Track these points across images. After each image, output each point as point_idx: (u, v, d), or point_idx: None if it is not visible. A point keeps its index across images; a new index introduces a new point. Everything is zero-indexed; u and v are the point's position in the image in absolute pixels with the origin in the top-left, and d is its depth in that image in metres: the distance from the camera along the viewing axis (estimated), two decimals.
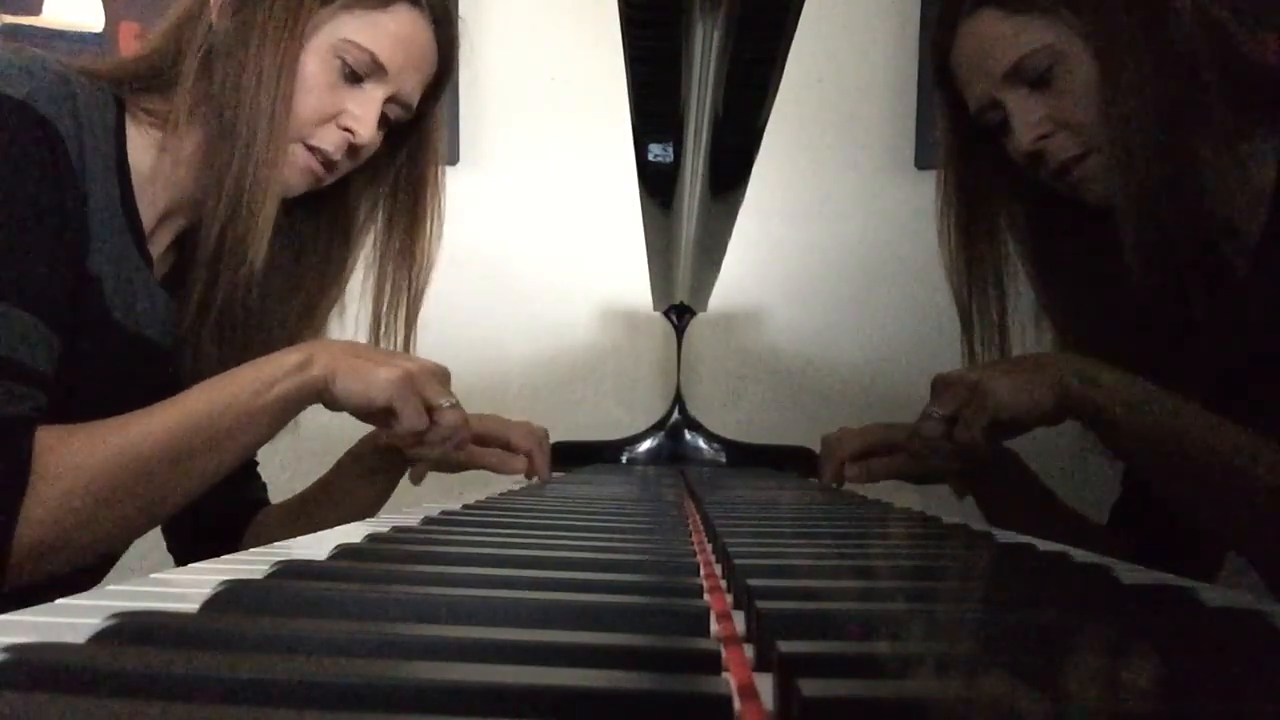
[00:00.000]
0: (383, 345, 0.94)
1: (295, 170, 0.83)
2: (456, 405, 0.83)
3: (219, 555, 0.43)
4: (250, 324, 0.86)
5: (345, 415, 0.83)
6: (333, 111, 0.82)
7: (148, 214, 0.81)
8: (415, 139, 0.92)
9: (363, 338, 0.95)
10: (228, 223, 0.78)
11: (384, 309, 0.94)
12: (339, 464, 0.95)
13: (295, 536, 0.91)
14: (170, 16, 0.82)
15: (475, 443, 0.94)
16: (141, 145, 0.79)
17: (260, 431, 0.78)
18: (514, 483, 1.00)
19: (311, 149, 0.82)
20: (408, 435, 0.81)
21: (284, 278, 0.89)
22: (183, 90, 0.78)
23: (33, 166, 0.69)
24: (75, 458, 0.68)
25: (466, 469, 0.96)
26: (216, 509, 0.88)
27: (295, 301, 0.91)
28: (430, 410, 0.81)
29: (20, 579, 0.66)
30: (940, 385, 0.84)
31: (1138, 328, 0.86)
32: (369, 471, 0.93)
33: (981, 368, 0.83)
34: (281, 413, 0.78)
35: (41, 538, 0.66)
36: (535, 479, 0.98)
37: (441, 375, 0.84)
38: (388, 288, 0.94)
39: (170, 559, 0.97)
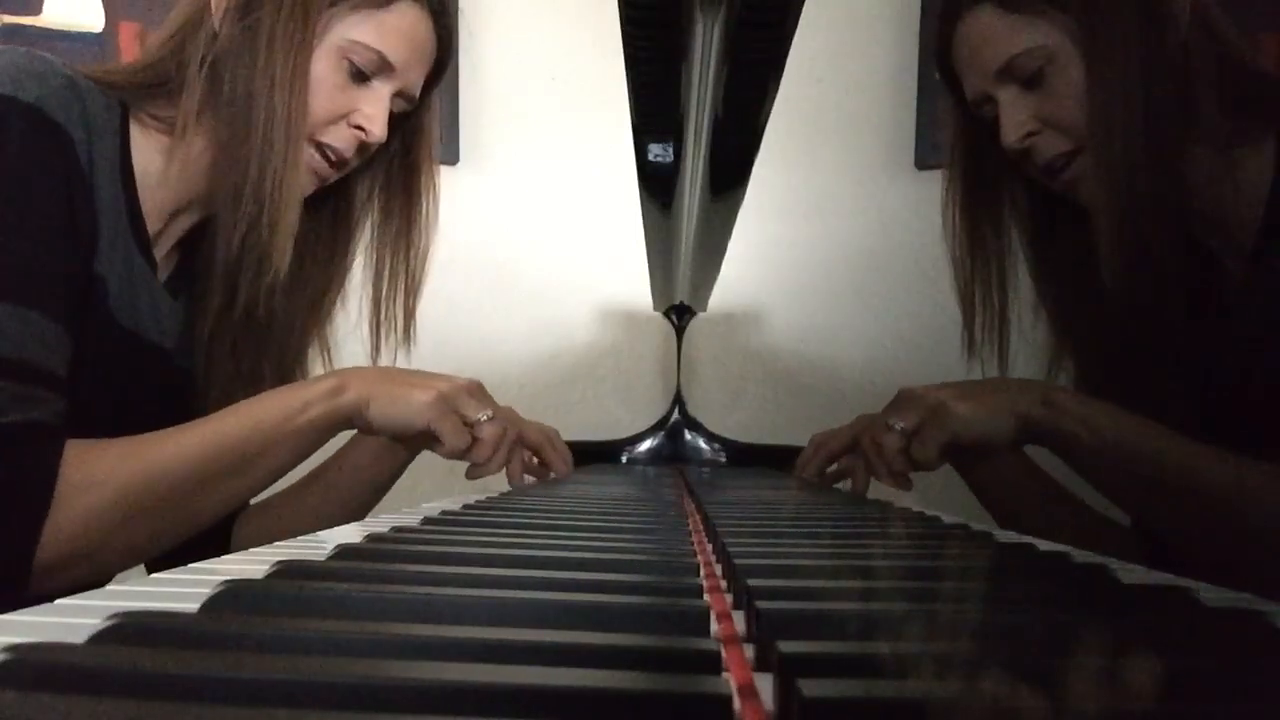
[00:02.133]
0: (383, 333, 0.95)
1: (308, 171, 0.83)
2: (495, 417, 0.83)
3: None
4: (262, 324, 0.86)
5: None
6: (343, 111, 0.83)
7: (152, 218, 0.81)
8: (409, 125, 0.92)
9: (364, 326, 0.95)
10: (250, 230, 0.79)
11: (383, 295, 0.94)
12: (350, 441, 0.94)
13: (297, 520, 0.91)
14: (171, 22, 0.82)
15: None
16: (146, 150, 0.79)
17: (290, 455, 0.78)
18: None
19: (324, 150, 0.83)
20: (451, 454, 0.82)
21: (290, 273, 0.89)
22: (189, 96, 0.78)
23: (45, 169, 0.69)
24: (104, 472, 0.68)
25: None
26: None
27: (303, 296, 0.91)
28: (470, 426, 0.81)
29: (41, 589, 0.66)
30: (904, 399, 0.85)
31: (1130, 323, 0.86)
32: (381, 447, 0.93)
33: (946, 387, 0.84)
34: (312, 437, 0.79)
35: (65, 550, 0.66)
36: (552, 476, 0.98)
37: (476, 390, 0.84)
38: (385, 274, 0.94)
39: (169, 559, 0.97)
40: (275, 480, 0.80)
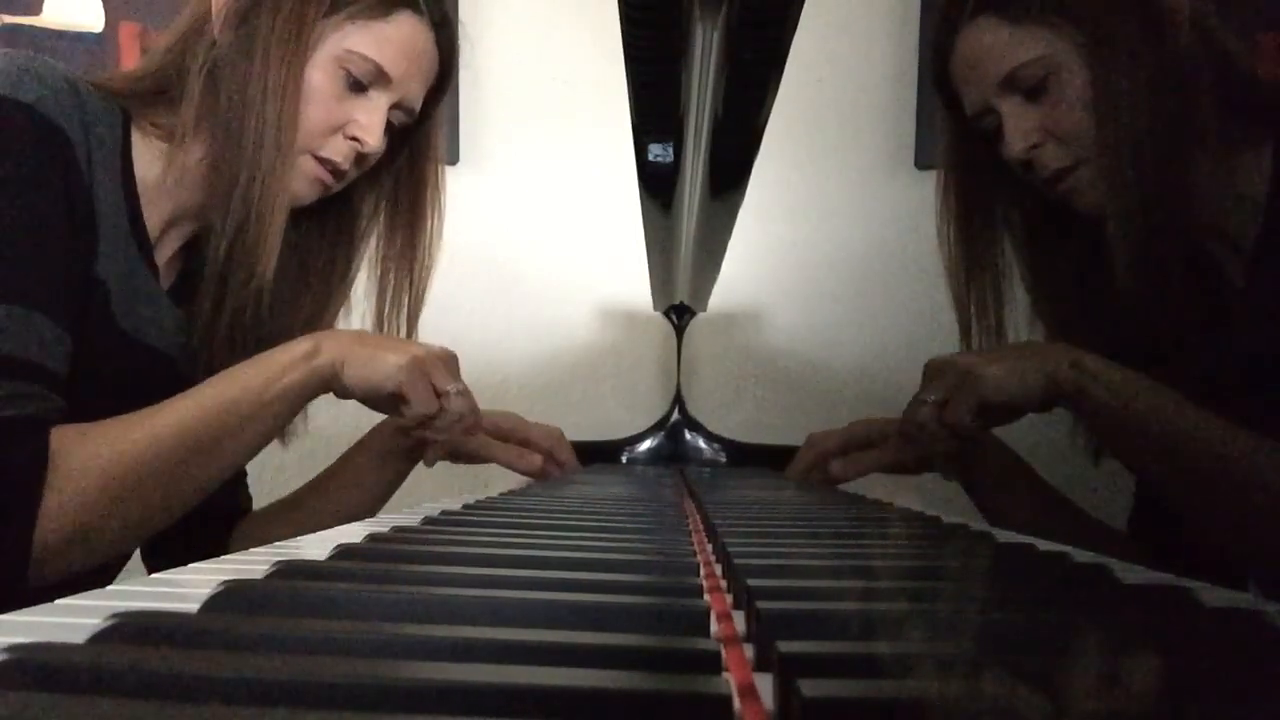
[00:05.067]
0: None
1: (305, 181, 0.83)
2: (464, 392, 0.83)
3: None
4: (260, 332, 0.87)
5: (344, 419, 0.83)
6: (340, 122, 0.83)
7: (153, 223, 0.81)
8: (415, 139, 0.92)
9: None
10: (236, 236, 0.79)
11: (386, 308, 0.94)
12: (348, 453, 0.95)
13: (294, 531, 0.91)
14: (173, 30, 0.82)
15: (494, 438, 0.95)
16: (147, 156, 0.80)
17: (272, 421, 0.78)
18: (517, 482, 1.00)
19: (320, 160, 0.83)
20: (417, 419, 0.82)
21: (291, 284, 0.89)
22: (188, 104, 0.79)
23: (44, 171, 0.70)
24: (92, 455, 0.68)
25: (481, 461, 0.97)
26: (197, 519, 0.86)
27: (303, 307, 0.91)
28: (439, 395, 0.81)
29: (42, 577, 0.67)
30: (932, 369, 0.85)
31: (1129, 334, 0.87)
32: (379, 458, 0.93)
33: (975, 353, 0.85)
34: (292, 401, 0.79)
35: (61, 535, 0.67)
36: (555, 475, 0.98)
37: (449, 360, 0.84)
38: (390, 288, 0.94)
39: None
40: (260, 448, 0.80)
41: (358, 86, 0.82)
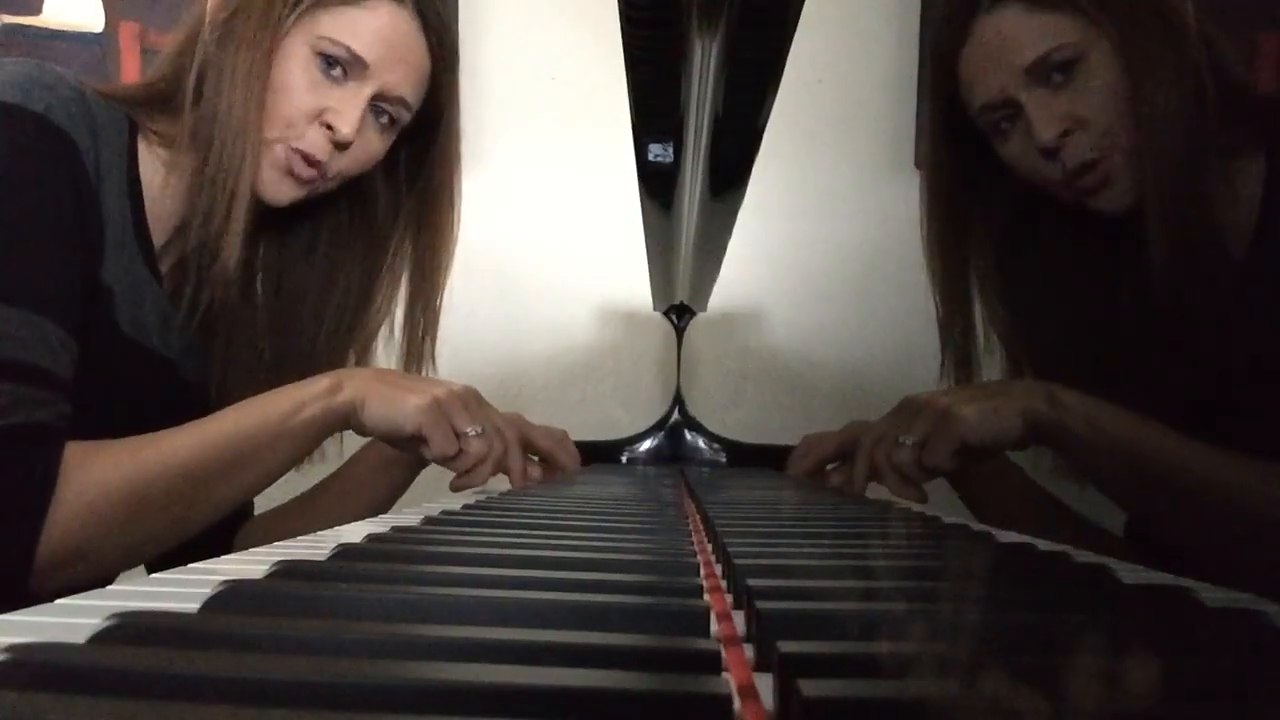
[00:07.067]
0: (410, 352, 0.96)
1: (278, 171, 0.82)
2: (483, 433, 0.83)
3: None
4: (279, 354, 0.88)
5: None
6: (315, 109, 0.82)
7: (157, 231, 0.82)
8: (433, 139, 0.93)
9: (383, 344, 0.96)
10: (204, 223, 0.80)
11: (413, 335, 0.96)
12: (352, 458, 0.95)
13: (297, 534, 0.92)
14: (173, 40, 0.84)
15: None
16: (152, 164, 0.81)
17: (287, 455, 0.79)
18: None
19: (296, 149, 0.82)
20: (437, 459, 0.82)
21: (313, 296, 0.91)
22: (184, 110, 0.80)
23: (52, 177, 0.71)
24: (103, 472, 0.69)
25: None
26: None
27: (325, 322, 0.92)
28: (459, 436, 0.82)
29: (40, 587, 0.67)
30: (909, 409, 0.84)
31: (1096, 351, 0.87)
32: (383, 465, 0.93)
33: (950, 393, 0.84)
34: (309, 437, 0.79)
35: (64, 549, 0.67)
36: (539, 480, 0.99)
37: (470, 400, 0.84)
38: (412, 318, 0.95)
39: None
40: (273, 481, 0.80)
41: (335, 76, 0.82)
